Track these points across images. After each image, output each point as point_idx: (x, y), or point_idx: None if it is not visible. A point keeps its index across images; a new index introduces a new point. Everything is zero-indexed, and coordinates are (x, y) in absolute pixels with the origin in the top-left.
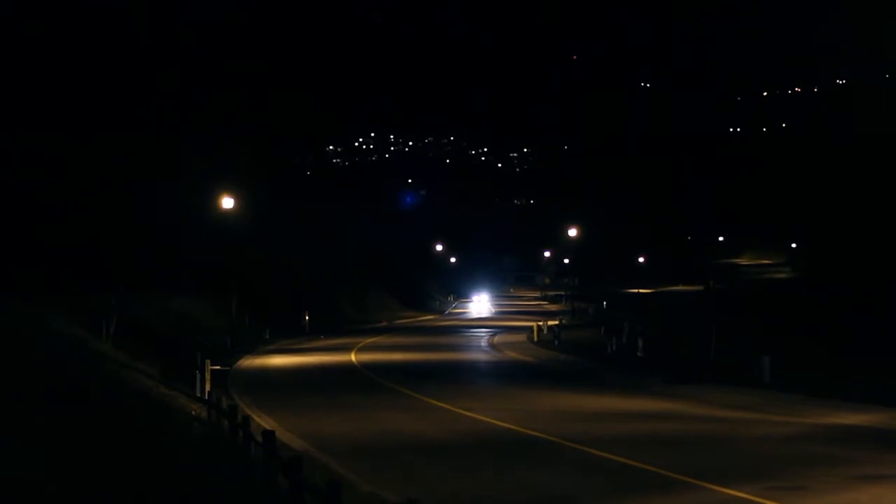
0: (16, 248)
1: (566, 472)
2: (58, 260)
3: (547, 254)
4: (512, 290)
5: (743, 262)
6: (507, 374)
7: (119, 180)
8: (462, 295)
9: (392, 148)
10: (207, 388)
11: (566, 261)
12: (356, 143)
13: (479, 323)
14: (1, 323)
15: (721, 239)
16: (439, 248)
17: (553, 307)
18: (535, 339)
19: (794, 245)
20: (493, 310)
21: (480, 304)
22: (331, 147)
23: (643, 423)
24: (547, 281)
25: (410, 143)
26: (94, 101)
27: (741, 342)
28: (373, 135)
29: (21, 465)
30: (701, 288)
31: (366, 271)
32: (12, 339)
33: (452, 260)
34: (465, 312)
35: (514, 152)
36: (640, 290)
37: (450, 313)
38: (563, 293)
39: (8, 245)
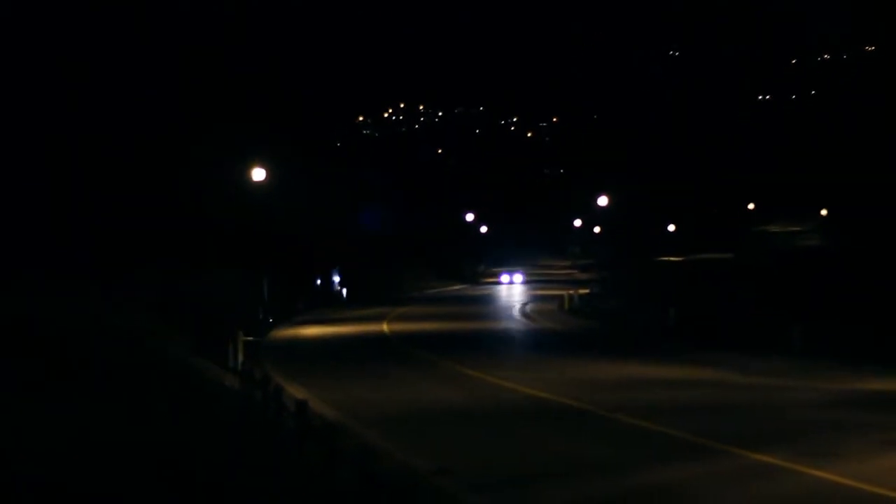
0: (51, 226)
1: (599, 440)
2: (91, 235)
3: (577, 223)
4: (542, 259)
5: (773, 229)
6: (539, 343)
7: (151, 154)
8: (493, 264)
9: (421, 119)
10: (240, 358)
11: (596, 230)
12: (385, 115)
13: (511, 292)
14: (40, 298)
15: (751, 207)
16: (470, 217)
17: (584, 276)
18: (566, 307)
19: (823, 212)
20: (524, 279)
21: (511, 276)
22: (361, 118)
23: (675, 390)
24: (577, 250)
25: (440, 114)
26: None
27: (773, 310)
28: (402, 105)
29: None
30: (731, 256)
31: (397, 241)
32: (52, 313)
33: (483, 229)
34: (496, 282)
35: (543, 121)
36: (671, 258)
37: (481, 283)
38: (592, 262)
39: (43, 223)
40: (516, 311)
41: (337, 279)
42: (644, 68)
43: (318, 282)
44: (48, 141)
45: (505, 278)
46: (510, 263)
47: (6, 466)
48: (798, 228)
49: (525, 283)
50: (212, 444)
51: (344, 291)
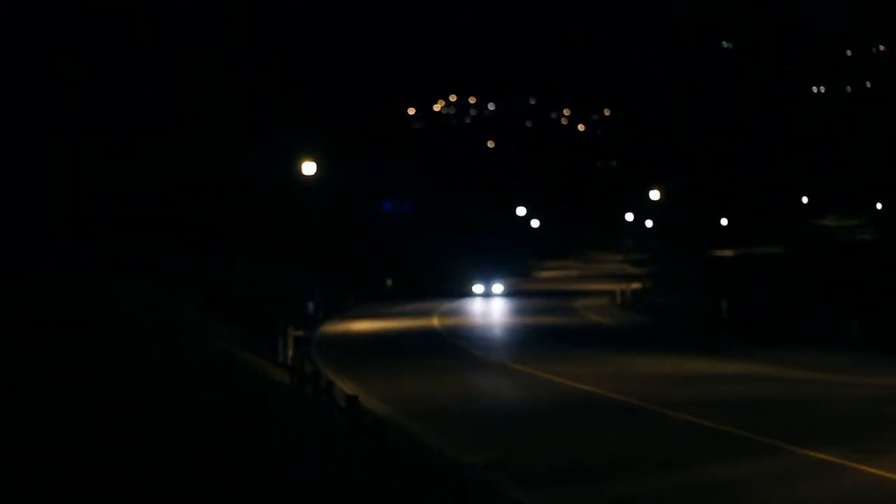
0: (102, 218)
1: (653, 436)
2: (142, 229)
3: (629, 217)
4: (593, 253)
5: (828, 223)
6: (589, 338)
7: (205, 150)
8: (545, 258)
9: (472, 112)
10: (290, 353)
11: (648, 223)
12: (436, 108)
13: (562, 287)
14: (90, 290)
15: (805, 200)
16: (521, 211)
17: (636, 270)
18: (618, 302)
19: (878, 206)
20: (576, 273)
21: (487, 287)
22: (412, 111)
23: (729, 385)
24: (629, 244)
25: (491, 107)
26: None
27: (828, 304)
28: (453, 98)
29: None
30: (784, 249)
31: (447, 235)
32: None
33: (535, 223)
34: (547, 276)
35: (595, 114)
36: (724, 252)
37: (533, 276)
38: (645, 256)
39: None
40: (567, 306)
41: (388, 277)
42: (699, 61)
43: (369, 276)
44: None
45: (478, 288)
46: (561, 256)
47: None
48: (853, 222)
49: (575, 275)
50: (264, 438)
51: (394, 286)
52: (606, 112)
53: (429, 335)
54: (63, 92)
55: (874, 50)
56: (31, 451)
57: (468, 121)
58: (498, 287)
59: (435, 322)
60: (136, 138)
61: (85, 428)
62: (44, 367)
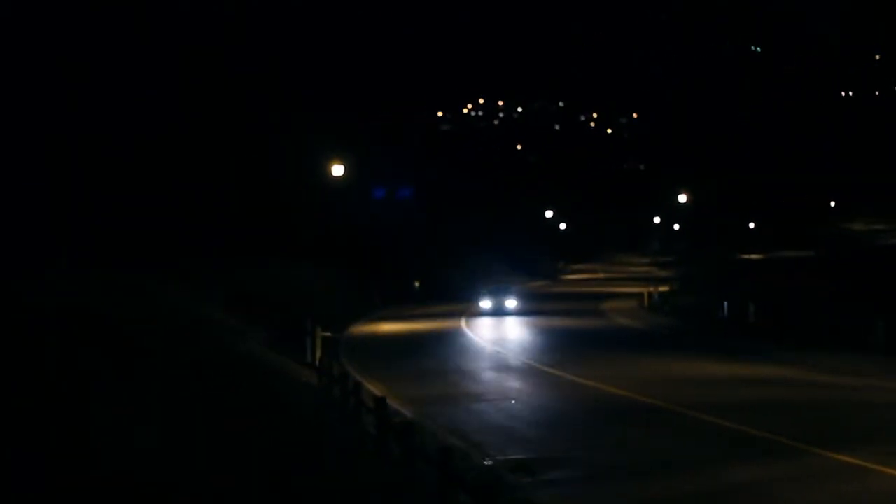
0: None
1: (680, 438)
2: (168, 228)
3: (656, 220)
4: (620, 256)
5: (856, 227)
6: (617, 341)
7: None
8: (574, 260)
9: (501, 114)
10: (318, 354)
11: (676, 227)
12: (465, 110)
13: (590, 290)
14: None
15: (833, 204)
16: (549, 214)
17: (663, 273)
18: (646, 304)
19: None
20: (603, 276)
21: (497, 299)
22: (440, 114)
23: (755, 388)
24: (656, 247)
25: (519, 110)
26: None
27: (854, 307)
28: (481, 101)
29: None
30: (811, 253)
31: (475, 237)
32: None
33: (562, 226)
34: (575, 279)
35: (623, 117)
36: (752, 256)
37: (560, 279)
38: (672, 259)
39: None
40: (595, 309)
41: (416, 278)
42: (727, 65)
43: (396, 278)
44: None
45: (486, 304)
46: (588, 259)
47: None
48: (882, 226)
49: (603, 277)
50: (293, 440)
51: (421, 287)
52: (634, 115)
53: (457, 337)
54: (67, 90)
55: None
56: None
57: (496, 123)
58: (511, 302)
59: (463, 324)
60: (149, 136)
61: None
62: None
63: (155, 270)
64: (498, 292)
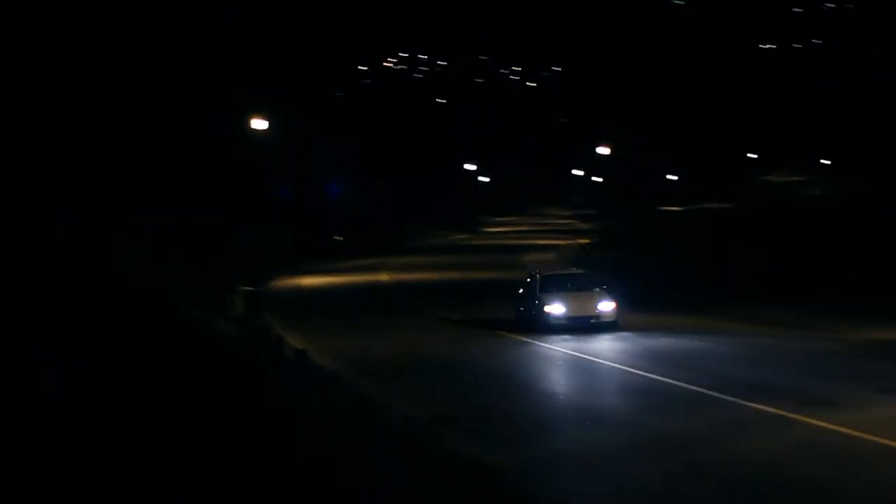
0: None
1: (603, 390)
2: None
3: (579, 173)
4: (543, 208)
5: (776, 178)
6: None
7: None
8: (496, 213)
9: (422, 67)
10: (240, 308)
11: (598, 179)
12: (385, 64)
13: (510, 242)
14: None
15: (755, 156)
16: (471, 167)
17: (584, 226)
18: (567, 256)
19: (826, 162)
20: (526, 228)
21: (512, 227)
22: (360, 67)
23: (680, 339)
24: (578, 200)
25: (441, 63)
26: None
27: (781, 259)
28: (403, 55)
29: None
30: (732, 205)
31: (399, 192)
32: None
33: (485, 180)
34: (497, 231)
35: (545, 71)
36: (672, 208)
37: (482, 232)
38: (594, 212)
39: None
40: (515, 261)
41: (341, 233)
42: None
43: (321, 232)
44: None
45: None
46: (513, 212)
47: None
48: (800, 178)
49: (524, 230)
50: (212, 393)
51: (343, 242)
52: (557, 69)
53: (379, 290)
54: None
55: (823, 5)
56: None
57: (418, 76)
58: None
59: (385, 277)
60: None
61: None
62: None
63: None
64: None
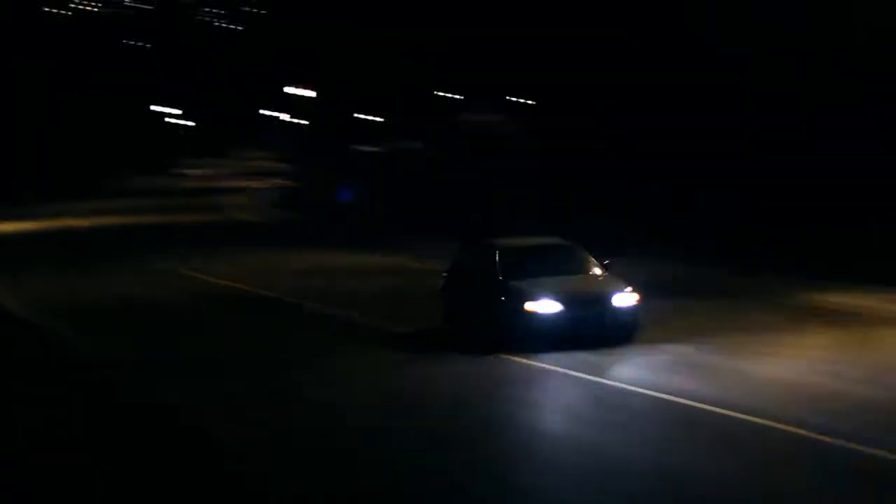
0: None
1: (293, 327)
2: None
3: (281, 116)
4: (242, 151)
5: (472, 119)
6: (235, 235)
7: None
8: (196, 156)
9: (100, 4)
10: None
11: (299, 122)
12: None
13: (208, 184)
14: None
15: (461, 97)
16: (161, 109)
17: (283, 167)
18: (266, 199)
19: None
20: (227, 172)
21: (213, 169)
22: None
23: (363, 278)
24: (273, 141)
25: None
26: None
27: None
28: None
29: None
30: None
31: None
32: None
33: (190, 124)
34: (197, 173)
35: (245, 7)
36: (368, 149)
37: (182, 175)
38: (290, 154)
39: None
40: (210, 204)
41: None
42: None
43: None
44: None
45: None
46: (213, 155)
47: None
48: (497, 118)
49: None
50: None
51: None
52: (260, 11)
53: (69, 235)
54: None
55: None
56: None
57: (100, 12)
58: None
59: (73, 223)
60: None
61: None
62: None
63: None
64: None
